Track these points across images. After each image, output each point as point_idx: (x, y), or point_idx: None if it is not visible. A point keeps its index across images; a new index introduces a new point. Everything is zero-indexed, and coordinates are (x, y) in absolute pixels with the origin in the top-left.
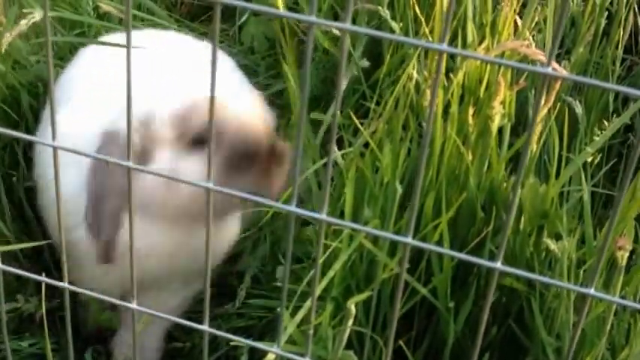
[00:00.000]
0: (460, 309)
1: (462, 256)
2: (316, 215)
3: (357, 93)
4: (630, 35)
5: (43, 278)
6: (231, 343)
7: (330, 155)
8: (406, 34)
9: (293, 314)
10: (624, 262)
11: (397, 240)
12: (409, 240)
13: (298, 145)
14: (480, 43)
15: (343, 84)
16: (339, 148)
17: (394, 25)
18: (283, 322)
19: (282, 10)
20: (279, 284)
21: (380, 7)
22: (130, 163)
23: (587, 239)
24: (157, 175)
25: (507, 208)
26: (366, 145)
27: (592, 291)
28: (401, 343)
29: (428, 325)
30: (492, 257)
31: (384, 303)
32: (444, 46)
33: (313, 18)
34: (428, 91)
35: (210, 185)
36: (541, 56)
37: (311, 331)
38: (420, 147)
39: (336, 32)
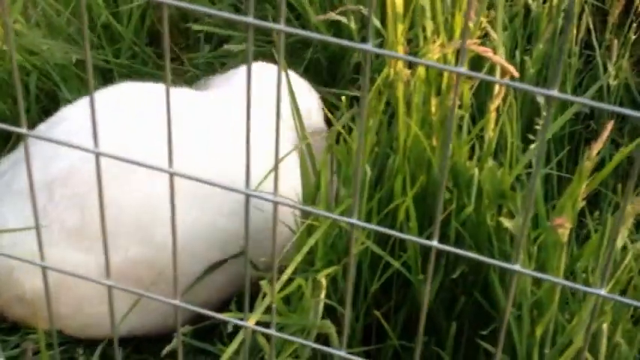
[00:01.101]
0: (432, 280)
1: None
2: (270, 198)
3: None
4: (588, 32)
5: None
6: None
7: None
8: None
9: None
10: (565, 239)
11: (342, 220)
12: (354, 221)
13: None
14: (435, 41)
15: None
16: None
17: (376, 22)
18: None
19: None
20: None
21: (361, 6)
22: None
23: (539, 218)
24: None
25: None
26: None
27: (518, 267)
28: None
29: (405, 295)
30: (458, 234)
31: (364, 275)
32: (369, 47)
33: (250, 19)
34: (399, 84)
35: None
36: (489, 53)
37: (274, 305)
38: (386, 133)
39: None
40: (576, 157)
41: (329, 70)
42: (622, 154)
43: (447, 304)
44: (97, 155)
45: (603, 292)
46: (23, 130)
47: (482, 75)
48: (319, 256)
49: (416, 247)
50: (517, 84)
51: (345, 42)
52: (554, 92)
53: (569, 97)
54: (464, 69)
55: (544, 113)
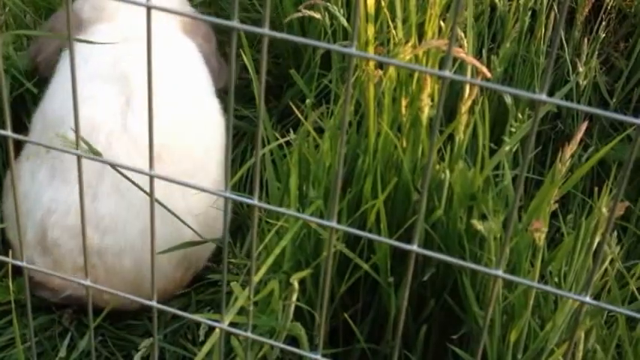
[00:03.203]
0: (400, 283)
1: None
2: (249, 201)
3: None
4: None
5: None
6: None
7: (257, 142)
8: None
9: (244, 288)
10: (541, 243)
11: (323, 224)
12: (333, 224)
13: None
14: (407, 42)
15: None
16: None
17: (343, 20)
18: (232, 296)
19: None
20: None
21: (329, 4)
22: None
23: (511, 220)
24: None
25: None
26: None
27: (500, 272)
28: (346, 316)
29: (373, 298)
30: (427, 235)
31: (332, 277)
32: (353, 50)
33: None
34: (370, 84)
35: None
36: (462, 54)
37: (251, 308)
38: (356, 134)
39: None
40: (543, 157)
41: (294, 58)
42: (595, 158)
43: (415, 306)
44: (79, 157)
45: (588, 299)
46: (9, 133)
47: (468, 78)
48: (287, 258)
49: (386, 249)
50: (505, 88)
51: (329, 46)
52: (543, 96)
53: (557, 100)
54: (449, 73)
55: (519, 115)
